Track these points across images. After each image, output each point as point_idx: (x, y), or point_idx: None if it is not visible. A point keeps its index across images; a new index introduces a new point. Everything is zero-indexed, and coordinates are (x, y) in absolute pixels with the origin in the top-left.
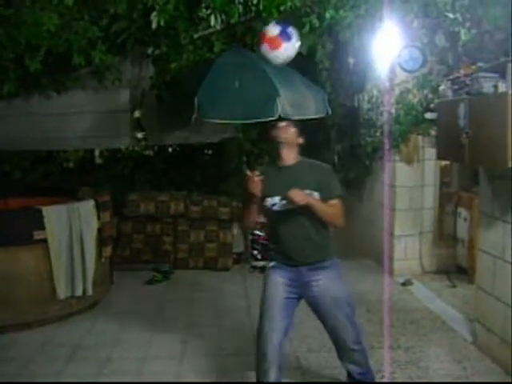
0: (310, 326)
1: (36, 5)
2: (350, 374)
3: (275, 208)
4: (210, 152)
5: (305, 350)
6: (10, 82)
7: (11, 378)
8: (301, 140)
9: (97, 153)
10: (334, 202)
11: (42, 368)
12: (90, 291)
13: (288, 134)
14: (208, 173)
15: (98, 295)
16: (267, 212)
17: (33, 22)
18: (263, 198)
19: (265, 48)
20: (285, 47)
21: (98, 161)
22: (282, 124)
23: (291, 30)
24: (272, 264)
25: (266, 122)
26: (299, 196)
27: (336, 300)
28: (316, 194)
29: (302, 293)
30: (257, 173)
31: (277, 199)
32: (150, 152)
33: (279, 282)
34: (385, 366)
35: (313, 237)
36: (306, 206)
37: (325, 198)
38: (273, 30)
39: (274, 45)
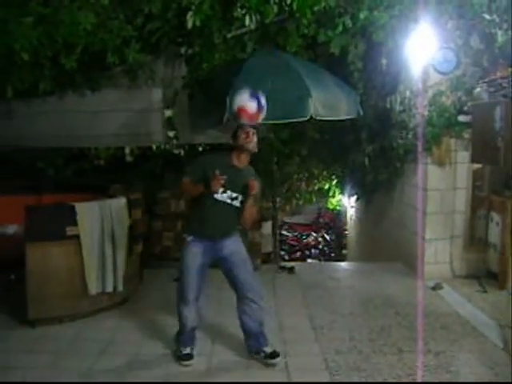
0: (339, 328)
1: (74, 4)
2: (242, 326)
3: (216, 196)
4: None
5: (333, 351)
6: (45, 79)
7: (42, 371)
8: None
9: (127, 151)
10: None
11: (72, 362)
12: (120, 287)
13: (255, 147)
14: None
15: (128, 292)
16: (206, 197)
17: (70, 21)
18: (207, 183)
19: (245, 121)
20: (261, 117)
21: (129, 159)
22: (251, 134)
23: (262, 97)
24: (189, 239)
25: (293, 122)
26: (254, 188)
27: (244, 259)
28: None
29: (215, 255)
30: (217, 172)
31: (220, 190)
32: (180, 151)
33: (195, 250)
34: (415, 370)
35: (230, 223)
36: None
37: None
38: (251, 105)
39: (254, 119)
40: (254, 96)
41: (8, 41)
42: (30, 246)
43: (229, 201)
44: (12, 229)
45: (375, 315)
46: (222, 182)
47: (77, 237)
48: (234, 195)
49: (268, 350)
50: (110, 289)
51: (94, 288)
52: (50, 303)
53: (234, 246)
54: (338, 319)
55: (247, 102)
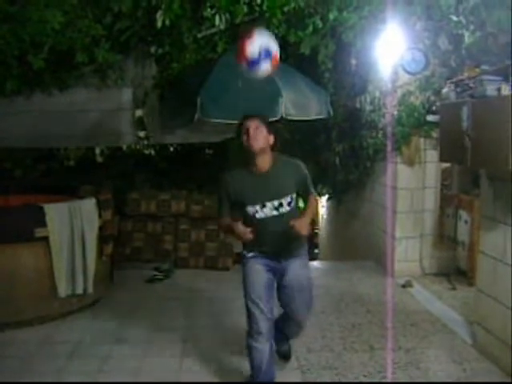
0: (311, 327)
1: (40, 2)
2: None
3: (258, 215)
4: (211, 152)
5: (305, 350)
6: (12, 79)
7: (12, 376)
8: (272, 139)
9: (97, 151)
10: (311, 199)
11: (42, 366)
12: (90, 289)
13: (260, 142)
14: (209, 172)
15: (99, 293)
16: (247, 217)
17: (37, 20)
18: (242, 207)
19: (244, 66)
20: (265, 66)
21: (99, 159)
22: (253, 127)
23: (270, 45)
24: (250, 254)
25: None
26: (304, 228)
27: (301, 287)
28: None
29: (278, 277)
30: (240, 228)
31: (258, 207)
32: (151, 151)
33: (258, 263)
34: (386, 367)
35: (291, 238)
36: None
37: (301, 195)
38: (252, 51)
39: (255, 65)
40: (259, 43)
41: None
42: None
43: (275, 212)
44: None
45: (346, 313)
46: (250, 236)
47: (46, 238)
48: (277, 203)
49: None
50: (80, 291)
51: (63, 290)
52: (18, 306)
53: (298, 269)
54: (310, 318)
55: (249, 47)
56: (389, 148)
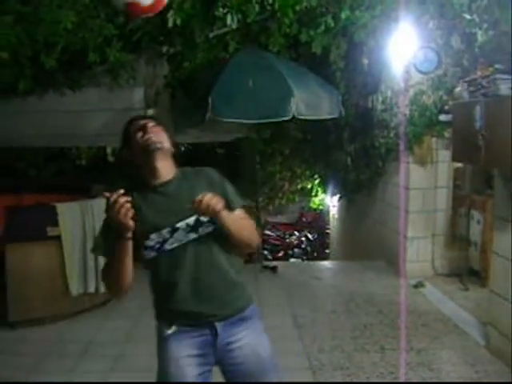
0: (322, 327)
1: (53, 2)
2: None
3: (168, 246)
4: (222, 151)
5: (316, 350)
6: (25, 79)
7: (24, 374)
8: (176, 146)
9: (109, 150)
10: (241, 213)
11: (53, 364)
12: (102, 288)
13: (162, 138)
14: (219, 172)
15: None
16: (150, 259)
17: (50, 20)
18: (142, 238)
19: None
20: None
21: (110, 158)
22: (150, 124)
23: None
24: (170, 332)
25: (275, 122)
26: (212, 202)
27: (264, 364)
28: None
29: (216, 360)
30: (121, 192)
31: (166, 233)
32: None
33: (184, 355)
34: (397, 367)
35: (227, 273)
36: (217, 224)
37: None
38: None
39: (153, 10)
40: None
41: None
42: (10, 247)
43: (193, 235)
44: None
45: (358, 313)
46: (125, 202)
47: (58, 237)
48: (193, 221)
49: None
50: (91, 289)
51: (75, 289)
52: (30, 304)
53: (247, 345)
54: (321, 318)
55: None
56: (401, 148)
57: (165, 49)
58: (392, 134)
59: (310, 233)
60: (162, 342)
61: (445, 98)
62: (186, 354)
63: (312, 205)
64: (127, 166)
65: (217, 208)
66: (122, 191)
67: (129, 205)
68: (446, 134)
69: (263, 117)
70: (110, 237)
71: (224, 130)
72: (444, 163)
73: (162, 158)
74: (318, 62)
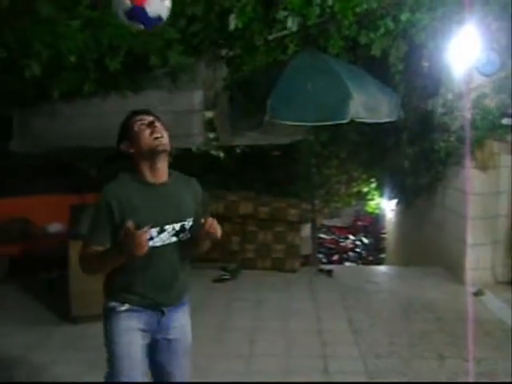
0: (379, 332)
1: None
2: None
3: (153, 243)
4: (278, 153)
5: (372, 355)
6: (90, 81)
7: (86, 368)
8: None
9: None
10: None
11: None
12: None
13: (167, 139)
14: (276, 174)
15: None
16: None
17: (116, 24)
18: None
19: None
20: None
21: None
22: (158, 123)
23: None
24: (123, 308)
25: (332, 124)
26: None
27: (187, 346)
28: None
29: (154, 336)
30: (129, 224)
31: (155, 232)
32: (219, 152)
33: (134, 328)
34: (457, 376)
35: (181, 273)
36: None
37: (197, 221)
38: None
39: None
40: (136, 14)
41: (56, 44)
42: (74, 244)
43: (174, 239)
44: (55, 228)
45: (415, 320)
46: (147, 235)
47: None
48: (178, 226)
49: None
50: None
51: None
52: (92, 300)
53: (181, 326)
54: (378, 323)
55: (129, 23)
56: (462, 152)
57: (224, 52)
58: (453, 138)
59: (365, 237)
60: (114, 317)
61: (508, 101)
62: (135, 327)
63: (368, 209)
64: (123, 158)
65: (218, 234)
66: (146, 229)
67: (147, 242)
68: (509, 138)
69: (321, 119)
70: (104, 227)
71: (282, 132)
72: (506, 168)
73: (165, 159)
74: (376, 65)
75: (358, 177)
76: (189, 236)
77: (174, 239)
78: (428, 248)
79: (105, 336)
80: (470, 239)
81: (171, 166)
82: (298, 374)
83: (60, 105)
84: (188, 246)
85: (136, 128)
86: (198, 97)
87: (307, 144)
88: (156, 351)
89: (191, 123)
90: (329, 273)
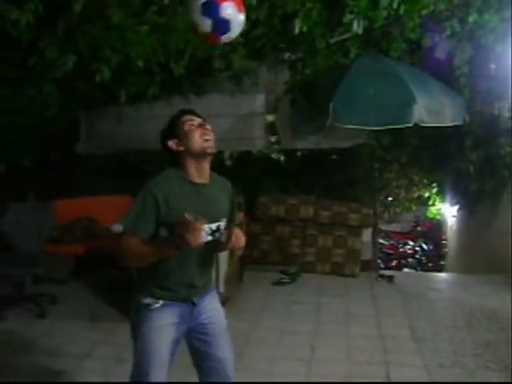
0: (442, 341)
1: (186, 12)
2: None
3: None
4: (338, 157)
5: (436, 364)
6: (154, 85)
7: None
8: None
9: (226, 154)
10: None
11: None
12: (221, 288)
13: (214, 143)
14: (335, 178)
15: (229, 293)
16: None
17: (183, 29)
18: (168, 221)
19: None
20: (224, 39)
21: (228, 162)
22: (208, 125)
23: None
24: (157, 305)
25: (394, 128)
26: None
27: (224, 327)
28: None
29: (189, 326)
30: (189, 216)
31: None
32: (279, 156)
33: (167, 323)
34: None
35: (212, 269)
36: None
37: (231, 223)
38: (205, 24)
39: (209, 41)
40: (212, 9)
41: (126, 49)
42: None
43: (210, 238)
44: (120, 228)
45: (479, 329)
46: (203, 228)
47: None
48: (215, 226)
49: None
50: None
51: None
52: None
53: (213, 309)
54: (441, 331)
55: (198, 18)
56: None
57: (286, 55)
58: None
59: (425, 243)
60: (147, 314)
61: None
62: (167, 322)
63: (429, 214)
64: (167, 155)
65: (241, 244)
66: (203, 221)
67: (202, 227)
68: None
69: (384, 123)
70: (149, 219)
71: (343, 136)
72: None
73: (209, 160)
74: (440, 68)
75: (418, 181)
76: (220, 237)
77: (210, 238)
78: (491, 256)
79: (133, 331)
80: None
81: (233, 169)
82: (359, 379)
83: (125, 108)
84: (219, 246)
85: (186, 127)
86: (259, 100)
87: (368, 148)
88: (194, 338)
89: (253, 126)
90: (390, 279)
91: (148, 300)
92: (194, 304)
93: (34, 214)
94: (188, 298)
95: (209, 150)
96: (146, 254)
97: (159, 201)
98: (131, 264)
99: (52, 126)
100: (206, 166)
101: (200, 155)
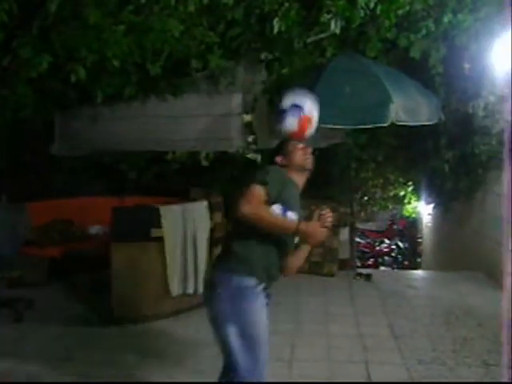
0: (420, 338)
1: (163, 12)
2: None
3: None
4: (313, 157)
5: (415, 361)
6: (131, 85)
7: (128, 370)
8: None
9: (203, 155)
10: None
11: (156, 362)
12: (200, 290)
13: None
14: (312, 177)
15: None
16: None
17: (160, 29)
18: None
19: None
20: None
21: (204, 163)
22: (308, 150)
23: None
24: (261, 287)
25: (370, 127)
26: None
27: None
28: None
29: None
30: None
31: (294, 216)
32: (256, 156)
33: (263, 304)
34: None
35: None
36: None
37: None
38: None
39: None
40: (299, 107)
41: (101, 48)
42: (116, 247)
43: None
44: (95, 229)
45: (457, 326)
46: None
47: (160, 239)
48: (299, 217)
49: None
50: (190, 291)
51: (175, 289)
52: (134, 302)
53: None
54: (419, 328)
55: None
56: (504, 155)
57: (263, 55)
58: (494, 141)
59: (401, 241)
60: (252, 295)
61: None
62: (264, 302)
63: (405, 212)
64: (274, 164)
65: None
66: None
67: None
68: None
69: (361, 123)
70: (275, 187)
71: (320, 135)
72: None
73: (305, 176)
74: (415, 67)
75: (394, 180)
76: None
77: None
78: (466, 253)
79: (235, 314)
80: (511, 244)
81: (210, 169)
82: (340, 379)
83: (101, 109)
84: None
85: (291, 147)
86: (236, 100)
87: (345, 147)
88: None
89: (230, 126)
90: (367, 277)
91: (252, 282)
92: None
93: (8, 216)
94: (273, 281)
95: (308, 167)
96: (268, 217)
97: (283, 180)
98: (247, 216)
99: (26, 126)
100: (304, 178)
101: (301, 169)
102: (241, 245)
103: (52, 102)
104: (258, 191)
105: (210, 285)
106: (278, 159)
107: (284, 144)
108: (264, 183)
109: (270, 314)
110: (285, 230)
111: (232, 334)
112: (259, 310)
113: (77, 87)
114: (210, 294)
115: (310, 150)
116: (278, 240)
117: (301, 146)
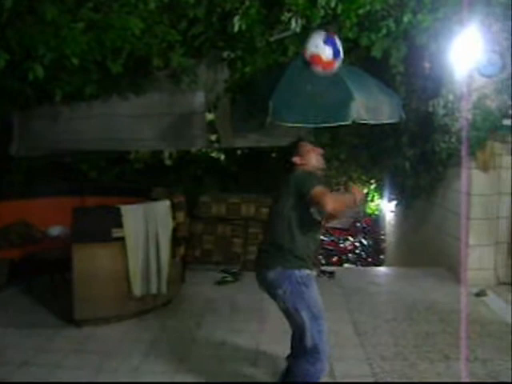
0: (383, 334)
1: (123, 9)
2: None
3: (316, 216)
4: (276, 155)
5: (378, 357)
6: (91, 83)
7: (90, 372)
8: None
9: (166, 154)
10: None
11: (119, 363)
12: (164, 289)
13: None
14: (275, 176)
15: (171, 293)
16: (310, 221)
17: (119, 27)
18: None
19: (319, 70)
20: (337, 65)
21: (167, 162)
22: (320, 151)
23: (337, 41)
24: (309, 271)
25: (333, 126)
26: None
27: None
28: None
29: None
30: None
31: (322, 215)
32: (219, 155)
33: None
34: (463, 378)
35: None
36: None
37: None
38: (326, 51)
39: (330, 67)
40: (329, 40)
41: (60, 46)
42: (77, 247)
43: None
44: (56, 230)
45: (419, 321)
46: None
47: (122, 239)
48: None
49: None
50: (154, 290)
51: (138, 290)
52: (96, 304)
53: None
54: (382, 324)
55: (321, 48)
56: (463, 153)
57: (225, 53)
58: (454, 139)
59: (364, 238)
60: (311, 282)
61: (509, 102)
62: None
63: (368, 210)
64: (289, 164)
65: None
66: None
67: None
68: (510, 139)
69: (323, 121)
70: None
71: (283, 134)
72: (508, 169)
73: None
74: (377, 66)
75: (357, 178)
76: None
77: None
78: (428, 249)
79: (303, 301)
80: (471, 240)
81: (173, 168)
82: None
83: (61, 107)
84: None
85: (307, 149)
86: (199, 99)
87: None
88: None
89: (192, 125)
90: (331, 275)
91: (307, 271)
92: None
93: None
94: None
95: (321, 167)
96: (343, 198)
97: (319, 178)
98: (336, 208)
99: None
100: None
101: (316, 169)
102: (291, 242)
103: (10, 102)
104: (322, 189)
105: (273, 283)
106: (297, 160)
107: (297, 145)
108: (320, 183)
109: (237, 314)
110: (352, 198)
111: (304, 315)
112: (316, 292)
113: (35, 86)
114: (276, 292)
115: (321, 150)
116: (314, 234)
117: (316, 149)
